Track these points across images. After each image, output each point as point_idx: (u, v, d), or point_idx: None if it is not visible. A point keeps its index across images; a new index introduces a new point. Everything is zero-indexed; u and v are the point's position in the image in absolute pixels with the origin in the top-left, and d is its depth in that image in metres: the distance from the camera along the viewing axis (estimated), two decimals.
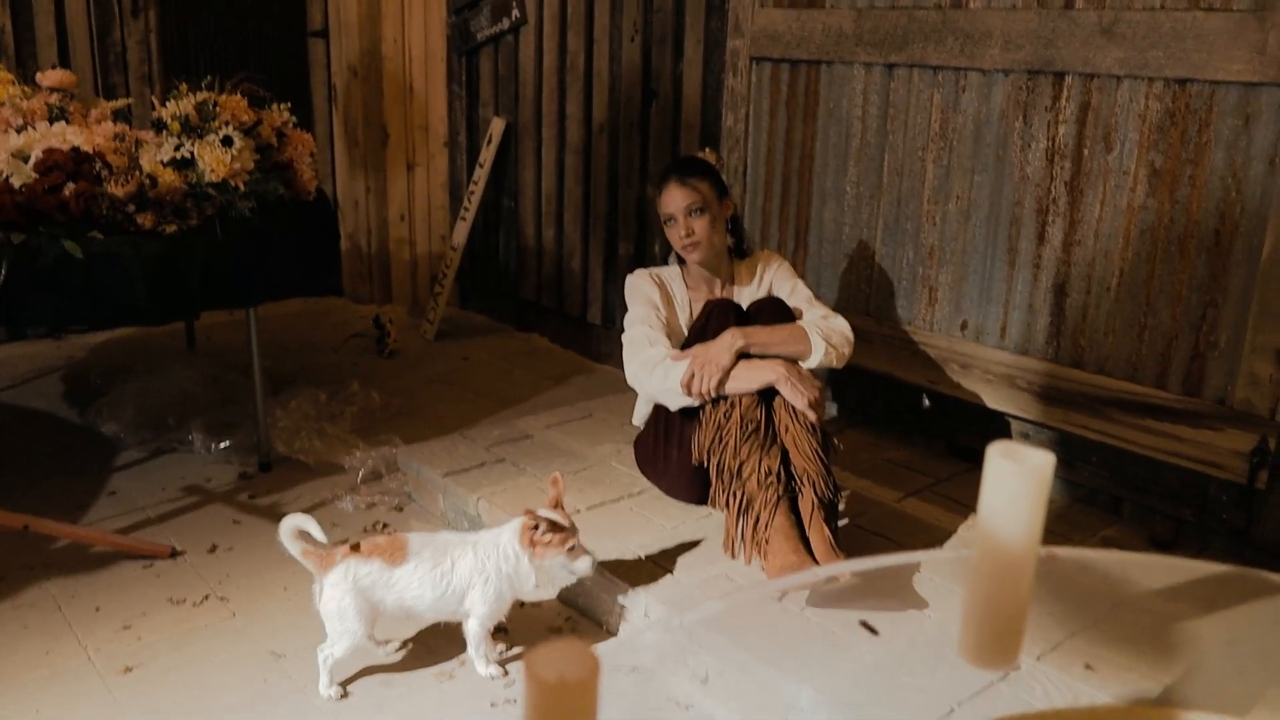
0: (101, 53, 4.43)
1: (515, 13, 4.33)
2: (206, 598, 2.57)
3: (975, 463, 3.12)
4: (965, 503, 2.84)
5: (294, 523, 2.19)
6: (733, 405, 2.48)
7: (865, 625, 1.22)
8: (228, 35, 4.75)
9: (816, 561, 2.33)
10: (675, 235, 2.72)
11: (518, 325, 4.75)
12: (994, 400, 2.97)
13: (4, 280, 2.42)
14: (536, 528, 2.19)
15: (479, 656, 2.24)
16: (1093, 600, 1.25)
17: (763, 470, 2.39)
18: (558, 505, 2.26)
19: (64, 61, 4.30)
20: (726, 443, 2.45)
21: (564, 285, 4.42)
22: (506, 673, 2.26)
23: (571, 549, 2.23)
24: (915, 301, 3.15)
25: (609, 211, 4.14)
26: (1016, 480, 0.99)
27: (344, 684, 2.21)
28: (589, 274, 4.29)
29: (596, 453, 3.10)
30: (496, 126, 4.54)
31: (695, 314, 2.77)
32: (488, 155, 4.56)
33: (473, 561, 2.21)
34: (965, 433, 3.12)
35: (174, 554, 2.76)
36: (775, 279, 2.85)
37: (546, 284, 4.51)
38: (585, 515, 2.74)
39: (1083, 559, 1.32)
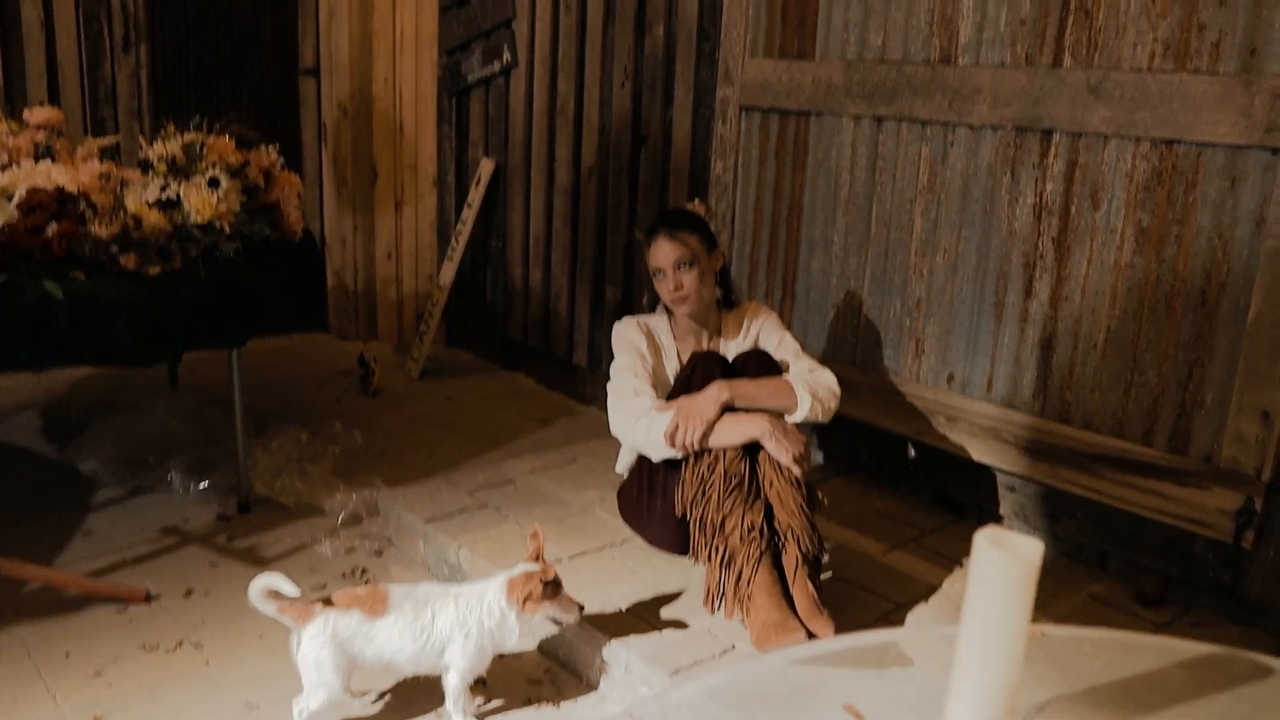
0: (92, 87, 4.42)
1: (506, 56, 4.34)
2: (180, 644, 2.53)
3: (961, 514, 3.11)
4: (951, 556, 2.82)
5: (263, 583, 2.14)
6: (716, 459, 2.46)
7: (850, 709, 1.20)
8: (219, 70, 4.75)
9: (799, 618, 2.30)
10: (664, 288, 2.72)
11: (504, 365, 4.73)
12: (980, 453, 2.97)
13: None
14: (531, 589, 2.16)
15: (456, 710, 2.21)
16: (1086, 678, 1.23)
17: (745, 525, 2.37)
18: (538, 558, 2.23)
19: (54, 96, 4.29)
20: (710, 496, 2.43)
21: (550, 327, 4.41)
22: None
23: (560, 603, 2.21)
24: (902, 353, 3.14)
25: (596, 255, 4.13)
26: (1005, 569, 0.97)
27: None
28: (575, 316, 4.28)
29: (580, 500, 3.08)
30: (486, 167, 4.54)
31: (683, 364, 2.76)
32: (476, 196, 4.56)
33: (454, 615, 2.17)
34: (952, 484, 3.11)
35: (149, 598, 2.72)
36: (762, 331, 2.84)
37: (533, 325, 4.50)
38: (568, 564, 2.71)
39: (1075, 636, 1.31)
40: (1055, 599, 2.66)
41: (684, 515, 2.51)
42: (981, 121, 2.81)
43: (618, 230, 4.02)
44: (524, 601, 2.16)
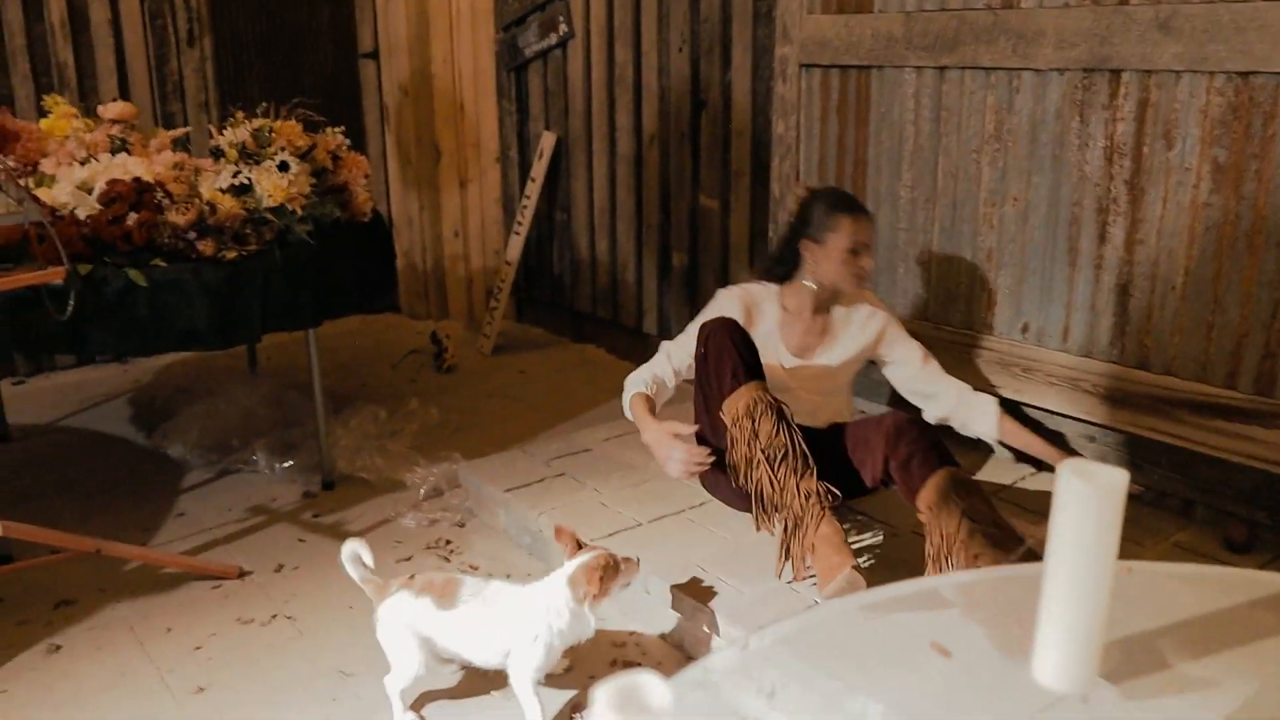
0: (160, 82, 4.51)
1: (563, 27, 4.34)
2: (274, 617, 2.60)
3: (1039, 466, 3.07)
4: (1028, 507, 2.79)
5: (351, 549, 2.20)
6: (751, 437, 2.44)
7: (937, 647, 1.20)
8: (280, 60, 4.82)
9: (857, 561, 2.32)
10: (853, 265, 2.65)
11: (573, 337, 4.76)
12: (1058, 403, 2.93)
13: (73, 310, 2.47)
14: (592, 586, 2.12)
15: (532, 717, 2.13)
16: (1173, 613, 1.22)
17: (801, 493, 2.37)
18: (579, 546, 2.21)
19: (123, 92, 4.39)
20: (758, 476, 2.43)
21: (619, 296, 4.43)
22: None
23: (622, 572, 2.19)
24: (974, 305, 3.11)
25: (662, 222, 4.14)
26: (1090, 499, 0.97)
27: (416, 708, 2.22)
28: (643, 285, 4.29)
29: (656, 465, 3.09)
30: (547, 140, 4.56)
31: (786, 338, 2.76)
32: (539, 169, 4.59)
33: (520, 619, 2.13)
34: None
35: (241, 574, 2.80)
36: (885, 343, 2.81)
37: (601, 296, 4.52)
38: (646, 528, 2.73)
39: (1161, 572, 1.30)
40: (1140, 548, 2.62)
41: (743, 489, 2.51)
42: (1047, 65, 2.76)
43: (681, 196, 4.02)
44: (595, 595, 2.12)
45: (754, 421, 2.45)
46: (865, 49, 3.18)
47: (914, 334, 2.84)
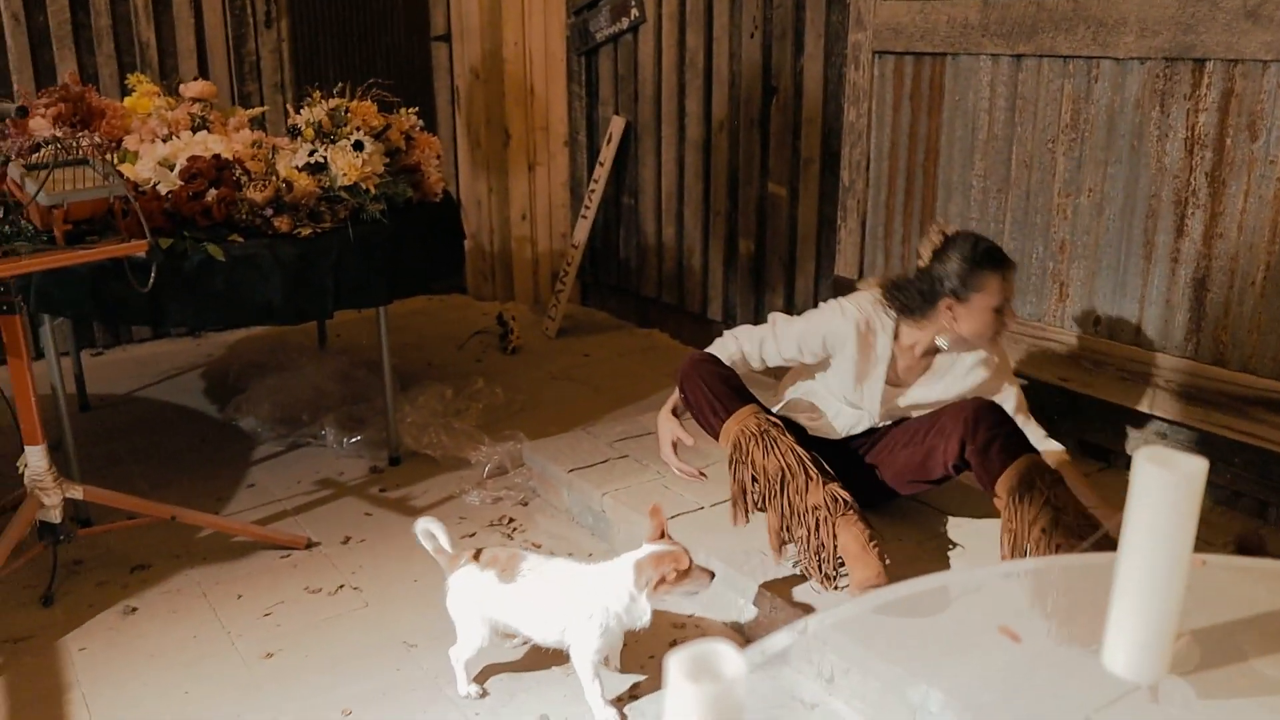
0: (237, 63, 4.60)
1: (634, 12, 4.35)
2: (341, 587, 2.66)
3: (1108, 462, 3.03)
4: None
5: (425, 525, 2.24)
6: (754, 460, 2.44)
7: (1006, 631, 1.19)
8: (354, 42, 4.89)
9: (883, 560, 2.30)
10: (998, 323, 2.45)
11: (638, 322, 4.77)
12: (1128, 398, 2.88)
13: (154, 282, 2.53)
14: (664, 574, 2.09)
15: (592, 698, 2.14)
16: (1248, 609, 1.20)
17: (809, 507, 2.36)
18: (663, 534, 2.18)
19: (202, 72, 4.47)
20: (771, 497, 2.42)
21: (684, 282, 4.44)
22: (624, 718, 2.17)
23: (692, 578, 2.13)
24: (1045, 297, 3.07)
25: (729, 208, 4.13)
26: (1167, 487, 0.96)
27: (479, 680, 2.25)
28: (709, 271, 4.29)
29: (719, 450, 3.10)
30: (616, 125, 4.57)
31: (889, 371, 2.59)
32: (608, 154, 4.60)
33: (578, 596, 2.13)
34: (1098, 431, 3.03)
35: (309, 545, 2.85)
36: (986, 386, 2.60)
37: (667, 281, 4.53)
38: (708, 512, 2.75)
39: (1237, 566, 1.28)
40: (1211, 548, 2.58)
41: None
42: (1128, 53, 2.71)
43: (750, 183, 4.01)
44: (655, 585, 2.09)
45: (744, 454, 2.46)
46: (940, 36, 3.14)
47: None
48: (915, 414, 2.64)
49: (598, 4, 4.54)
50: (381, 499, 3.14)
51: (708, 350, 2.64)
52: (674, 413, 2.74)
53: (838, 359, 2.60)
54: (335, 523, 2.99)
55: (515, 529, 2.95)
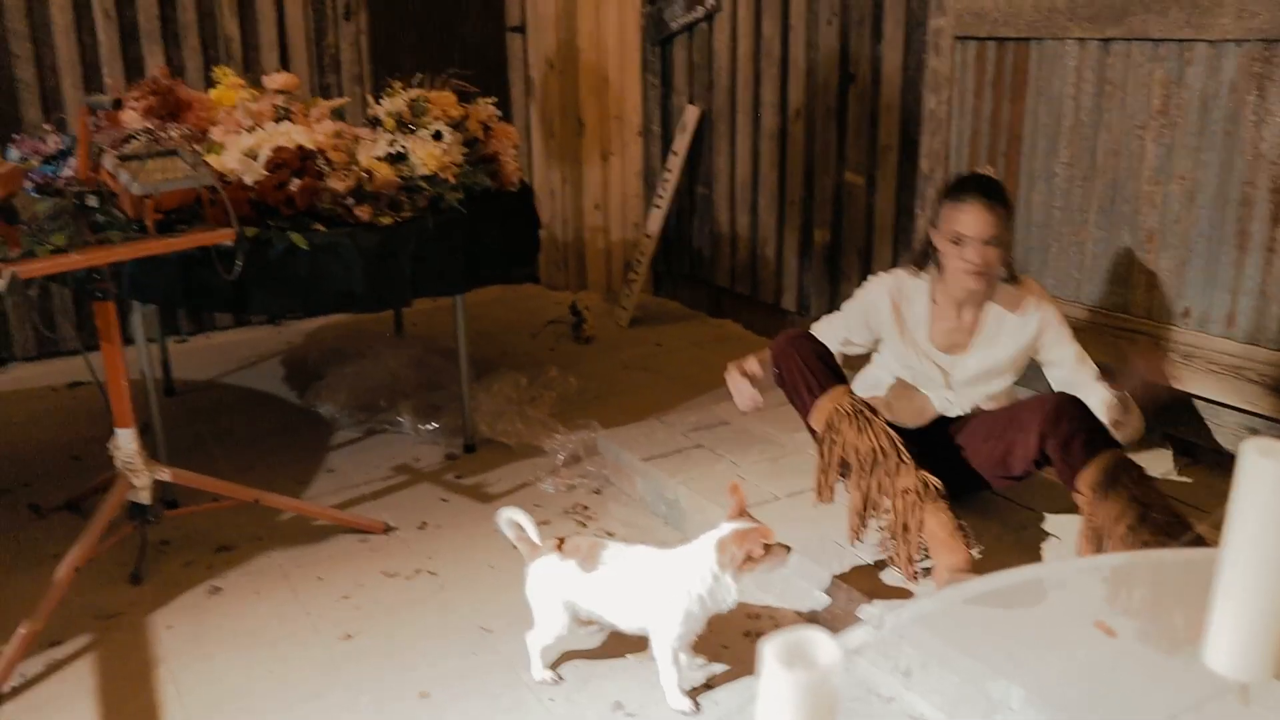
0: (317, 55, 4.67)
1: (710, 1, 4.33)
2: (418, 572, 2.69)
3: (1195, 458, 2.95)
4: (1186, 500, 2.68)
5: (509, 515, 2.25)
6: (835, 443, 2.40)
7: (1102, 626, 1.17)
8: (430, 34, 4.93)
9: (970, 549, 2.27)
10: (960, 255, 2.47)
11: (711, 312, 4.76)
12: (1219, 392, 2.81)
13: (240, 270, 2.58)
14: (750, 549, 2.06)
15: (668, 685, 2.14)
16: None
17: (899, 492, 2.32)
18: (743, 513, 2.16)
19: (284, 65, 4.55)
20: (855, 481, 2.38)
21: (758, 272, 4.41)
22: (698, 708, 2.16)
23: (772, 555, 2.09)
24: (1132, 288, 2.99)
25: (804, 198, 4.10)
26: (1277, 480, 0.93)
27: (553, 666, 2.27)
28: (783, 261, 4.26)
29: (794, 440, 3.08)
30: (691, 114, 4.56)
31: (934, 333, 2.63)
32: (682, 143, 4.59)
33: (662, 580, 2.12)
34: (1186, 426, 2.95)
35: (387, 529, 2.89)
36: (1043, 343, 2.60)
37: (740, 271, 4.51)
38: (784, 503, 2.73)
39: None
40: None
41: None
42: (1224, 35, 2.64)
43: (826, 172, 3.98)
44: (740, 564, 2.06)
45: (836, 433, 2.41)
46: (1025, 20, 3.08)
47: (1066, 315, 2.75)
48: (989, 389, 2.63)
49: None
50: (457, 485, 3.17)
51: (805, 330, 2.62)
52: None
53: (884, 334, 2.66)
54: (412, 508, 3.02)
55: (589, 517, 2.96)
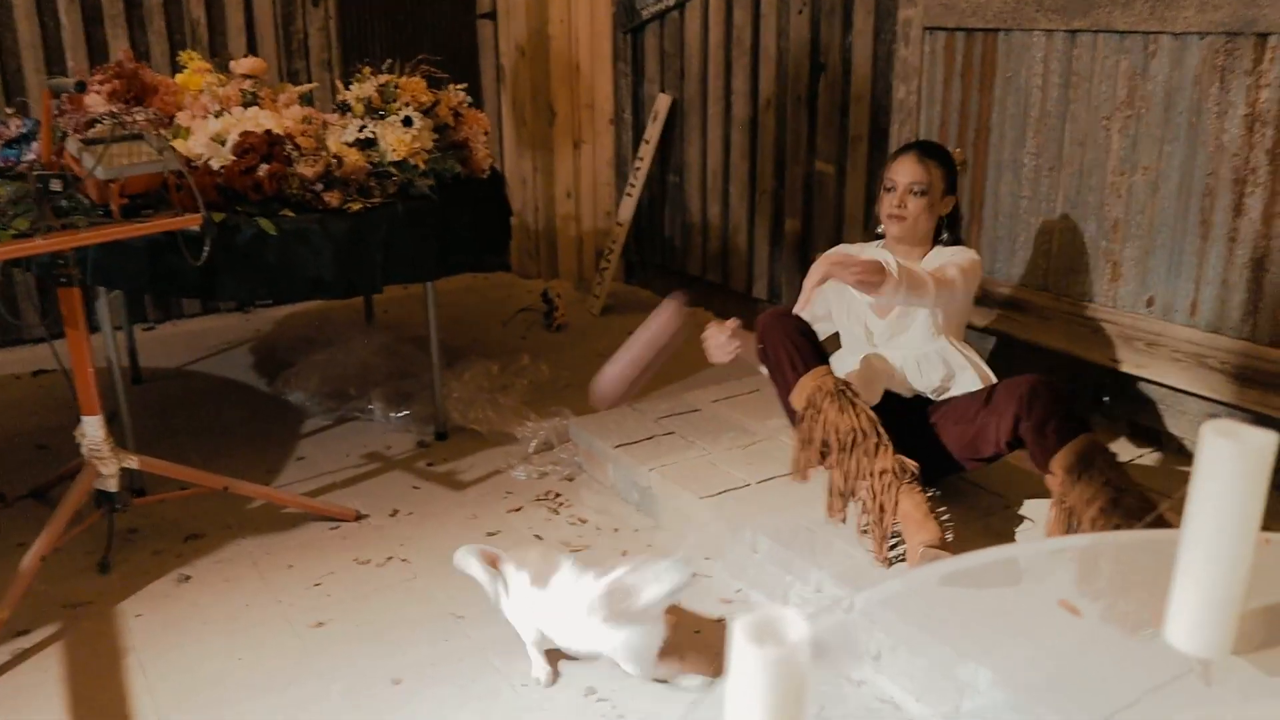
0: (285, 40, 4.63)
1: None
2: (389, 559, 2.68)
3: (1160, 446, 2.99)
4: (1152, 486, 2.72)
5: (462, 558, 2.29)
6: (816, 421, 2.42)
7: (1067, 605, 1.19)
8: (401, 20, 4.90)
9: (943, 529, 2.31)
10: (887, 202, 2.64)
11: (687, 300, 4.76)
12: (1182, 380, 2.85)
13: (207, 256, 2.56)
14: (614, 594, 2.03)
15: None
16: None
17: (877, 473, 2.35)
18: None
19: (251, 50, 4.51)
20: (831, 461, 2.41)
21: (729, 261, 4.42)
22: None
23: (631, 598, 2.03)
24: (1097, 277, 3.03)
25: (776, 187, 4.11)
26: (1235, 460, 0.95)
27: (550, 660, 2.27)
28: (755, 250, 4.28)
29: (765, 427, 3.10)
30: (662, 103, 4.56)
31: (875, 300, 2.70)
32: (653, 132, 4.59)
33: (600, 616, 2.07)
34: (1150, 414, 3.00)
35: (358, 517, 2.89)
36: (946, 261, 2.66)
37: (712, 260, 4.52)
38: (755, 488, 2.75)
39: None
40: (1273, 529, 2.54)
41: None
42: (1186, 28, 2.67)
43: (797, 161, 3.99)
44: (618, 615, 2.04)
45: (818, 411, 2.44)
46: (993, 11, 3.10)
47: (1033, 304, 2.78)
48: (911, 332, 2.66)
49: None
50: (429, 473, 3.16)
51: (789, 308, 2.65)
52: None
53: (830, 305, 2.78)
54: (383, 496, 3.02)
55: (561, 504, 2.97)
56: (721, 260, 4.46)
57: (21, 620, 2.38)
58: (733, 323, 2.68)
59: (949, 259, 2.60)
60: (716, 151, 4.37)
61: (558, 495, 3.02)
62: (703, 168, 4.47)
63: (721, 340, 2.67)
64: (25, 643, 2.34)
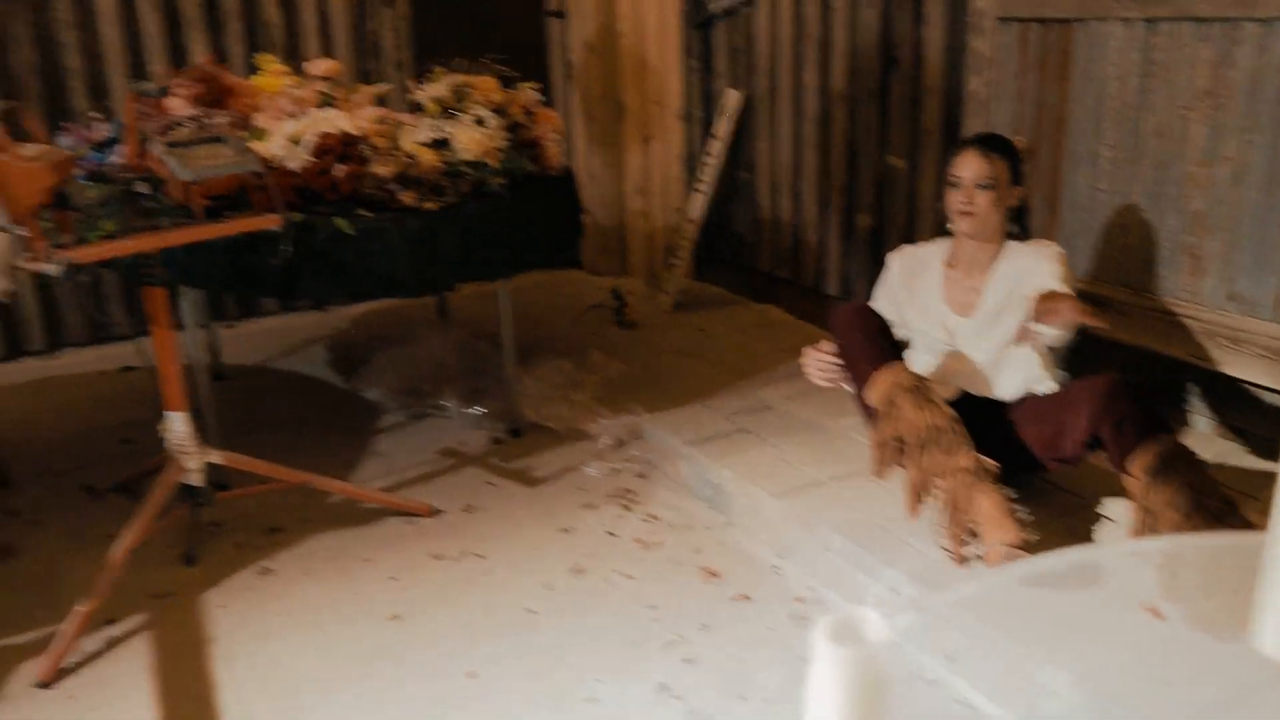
0: (359, 41, 4.70)
1: None
2: (464, 554, 2.72)
3: (1244, 442, 2.92)
4: (1234, 485, 2.66)
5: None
6: (892, 421, 2.40)
7: (1149, 608, 1.17)
8: (471, 19, 4.94)
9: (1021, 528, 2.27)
10: (955, 199, 2.63)
11: (753, 296, 4.75)
12: (1268, 378, 2.77)
13: (287, 255, 2.61)
14: None
15: None
16: None
17: (955, 471, 2.31)
18: None
19: (326, 51, 4.59)
20: (908, 460, 2.38)
21: (800, 257, 4.40)
22: None
23: None
24: (1177, 271, 2.97)
25: (847, 182, 4.09)
26: None
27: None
28: (826, 245, 4.25)
29: (838, 425, 3.09)
30: (732, 99, 4.55)
31: (950, 296, 2.70)
32: (723, 128, 4.58)
33: None
34: (1234, 412, 2.93)
35: (434, 513, 2.93)
36: (1036, 267, 2.58)
37: (782, 256, 4.50)
38: (829, 486, 2.74)
39: None
40: None
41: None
42: (1273, 13, 2.60)
43: (868, 156, 3.96)
44: None
45: (895, 408, 2.42)
46: (1069, 1, 3.05)
47: (1109, 300, 2.73)
48: (997, 335, 2.62)
49: None
50: (503, 469, 3.20)
51: (866, 302, 2.66)
52: None
53: (902, 306, 2.76)
54: (458, 492, 3.06)
55: (634, 501, 2.99)
56: (793, 256, 4.44)
57: (110, 610, 2.46)
58: (829, 345, 2.64)
59: (1045, 266, 2.56)
60: (786, 147, 4.35)
61: (630, 492, 3.03)
62: (773, 163, 4.45)
63: (821, 364, 2.65)
64: (114, 631, 2.42)
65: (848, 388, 2.63)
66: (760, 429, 3.10)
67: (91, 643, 2.38)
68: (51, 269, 2.17)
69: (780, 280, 4.55)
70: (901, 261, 2.81)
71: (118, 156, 2.90)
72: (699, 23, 4.70)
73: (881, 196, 3.94)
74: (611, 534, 2.81)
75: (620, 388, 3.72)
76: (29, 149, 2.26)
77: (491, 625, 2.42)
